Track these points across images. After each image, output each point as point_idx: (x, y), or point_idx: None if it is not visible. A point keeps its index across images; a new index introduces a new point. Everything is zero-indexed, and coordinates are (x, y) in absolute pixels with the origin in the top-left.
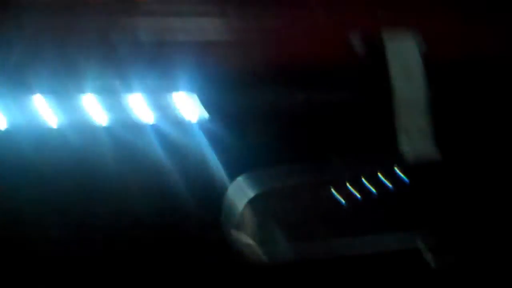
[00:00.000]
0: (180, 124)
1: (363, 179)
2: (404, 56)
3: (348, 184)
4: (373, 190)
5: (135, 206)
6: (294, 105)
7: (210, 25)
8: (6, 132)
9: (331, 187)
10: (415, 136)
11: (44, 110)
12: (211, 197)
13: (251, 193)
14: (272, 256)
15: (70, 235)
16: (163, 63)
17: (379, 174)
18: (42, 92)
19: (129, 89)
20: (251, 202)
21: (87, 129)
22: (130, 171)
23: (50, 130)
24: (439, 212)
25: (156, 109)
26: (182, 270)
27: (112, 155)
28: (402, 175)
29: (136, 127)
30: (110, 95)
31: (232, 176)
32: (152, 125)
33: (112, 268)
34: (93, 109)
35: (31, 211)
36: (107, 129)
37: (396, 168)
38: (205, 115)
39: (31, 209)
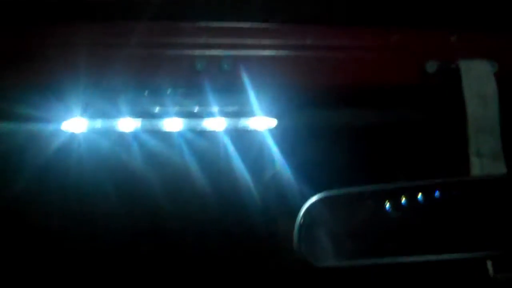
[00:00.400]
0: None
1: (433, 200)
2: (479, 80)
3: (419, 205)
4: (444, 211)
5: (205, 210)
6: (368, 126)
7: (287, 52)
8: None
9: (401, 207)
10: (487, 158)
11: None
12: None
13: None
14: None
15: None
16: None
17: (450, 196)
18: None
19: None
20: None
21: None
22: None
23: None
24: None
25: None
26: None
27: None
28: (471, 196)
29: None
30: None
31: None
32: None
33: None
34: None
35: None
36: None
37: (466, 190)
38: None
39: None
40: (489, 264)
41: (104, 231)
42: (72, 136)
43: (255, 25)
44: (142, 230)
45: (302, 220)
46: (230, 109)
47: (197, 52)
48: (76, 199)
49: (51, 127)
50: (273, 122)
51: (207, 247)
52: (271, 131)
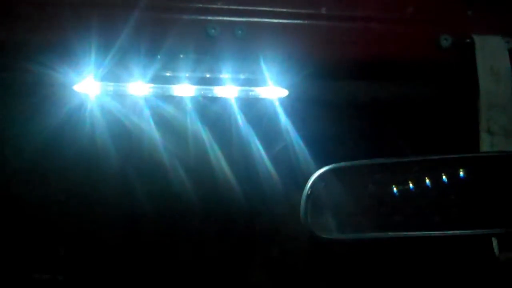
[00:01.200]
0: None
1: (441, 175)
2: (493, 56)
3: (426, 180)
4: (451, 186)
5: (214, 177)
6: (378, 100)
7: (301, 21)
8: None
9: (408, 182)
10: (497, 135)
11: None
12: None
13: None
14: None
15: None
16: (253, 56)
17: (458, 172)
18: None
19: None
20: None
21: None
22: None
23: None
24: None
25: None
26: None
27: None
28: (481, 173)
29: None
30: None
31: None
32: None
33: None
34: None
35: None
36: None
37: (475, 166)
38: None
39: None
40: (494, 242)
41: (112, 194)
42: (84, 98)
43: None
44: (149, 195)
45: (309, 191)
46: (242, 76)
47: (210, 17)
48: (83, 162)
49: (63, 88)
50: (284, 92)
51: (213, 214)
52: (281, 101)
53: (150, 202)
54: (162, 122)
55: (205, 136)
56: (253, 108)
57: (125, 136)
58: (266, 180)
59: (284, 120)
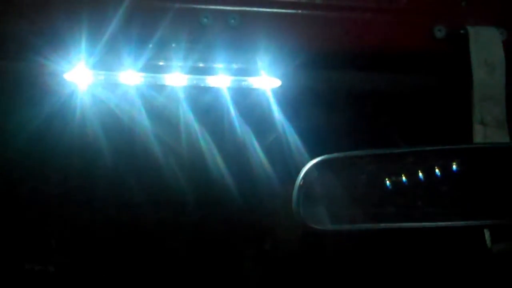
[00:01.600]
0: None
1: (434, 166)
2: (487, 48)
3: (419, 171)
4: (444, 178)
5: (206, 168)
6: (371, 91)
7: (294, 10)
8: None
9: (401, 173)
10: (490, 126)
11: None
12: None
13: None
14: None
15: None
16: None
17: (451, 163)
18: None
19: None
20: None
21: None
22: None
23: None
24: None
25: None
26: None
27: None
28: (474, 164)
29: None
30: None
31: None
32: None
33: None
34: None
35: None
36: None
37: (468, 158)
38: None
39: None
40: (487, 234)
41: (104, 185)
42: (74, 86)
43: None
44: (140, 185)
45: (301, 182)
46: (235, 66)
47: (203, 6)
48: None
49: (53, 76)
50: (277, 82)
51: (205, 204)
52: (274, 91)
53: (141, 193)
54: (154, 111)
55: (197, 126)
56: (246, 98)
57: (116, 125)
58: (259, 170)
59: (276, 110)
